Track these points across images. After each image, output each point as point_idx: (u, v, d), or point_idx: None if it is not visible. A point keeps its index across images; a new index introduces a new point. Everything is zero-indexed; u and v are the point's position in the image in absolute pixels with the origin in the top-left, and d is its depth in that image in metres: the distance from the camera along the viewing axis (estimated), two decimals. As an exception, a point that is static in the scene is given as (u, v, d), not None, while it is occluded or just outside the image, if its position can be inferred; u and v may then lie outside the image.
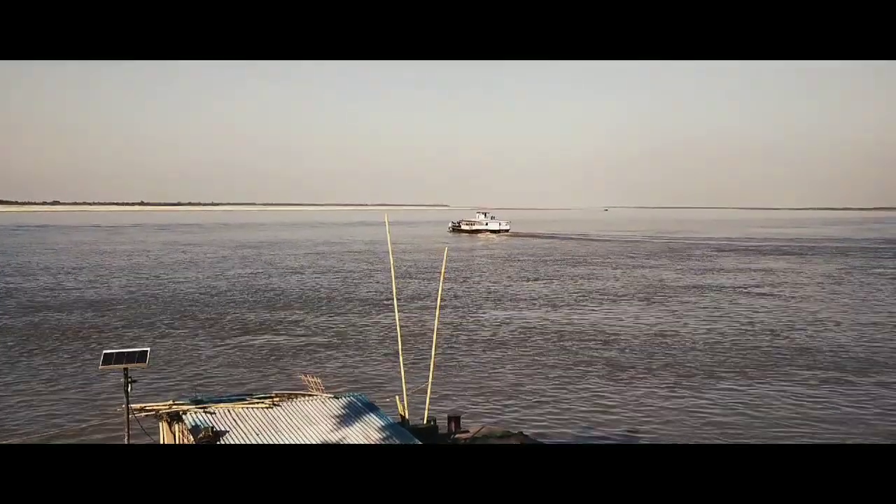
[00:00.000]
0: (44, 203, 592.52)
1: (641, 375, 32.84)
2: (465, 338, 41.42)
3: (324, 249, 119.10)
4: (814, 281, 71.70)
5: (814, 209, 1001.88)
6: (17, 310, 50.74)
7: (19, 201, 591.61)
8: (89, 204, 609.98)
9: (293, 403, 17.87)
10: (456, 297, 58.48)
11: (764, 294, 61.19)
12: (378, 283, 69.23)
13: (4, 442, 23.01)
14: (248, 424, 16.39)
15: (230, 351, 37.92)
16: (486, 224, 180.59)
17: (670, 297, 59.22)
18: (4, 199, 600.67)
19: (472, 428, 20.90)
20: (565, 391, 30.28)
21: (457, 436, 19.55)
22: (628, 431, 25.18)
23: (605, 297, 58.86)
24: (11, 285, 65.17)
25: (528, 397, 29.37)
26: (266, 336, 41.94)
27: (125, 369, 16.67)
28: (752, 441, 24.08)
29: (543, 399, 29.11)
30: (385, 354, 36.88)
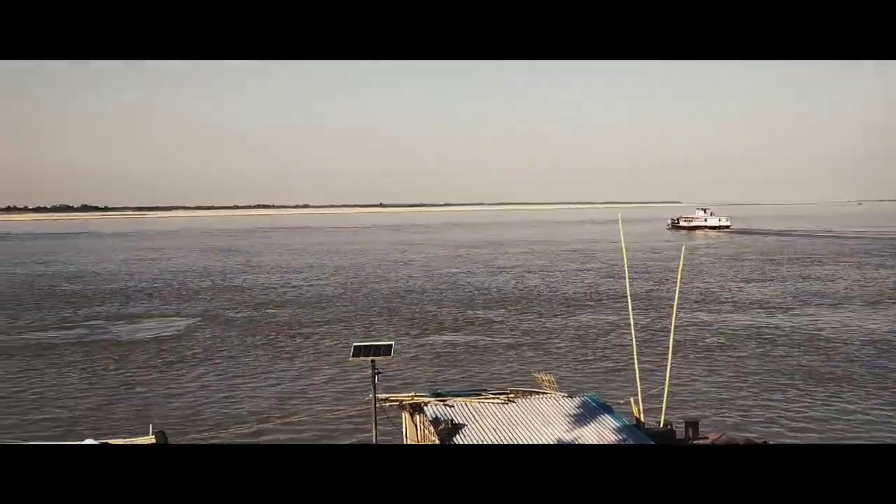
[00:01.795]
0: (296, 206, 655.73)
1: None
2: (697, 340, 39.56)
3: (545, 248, 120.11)
4: None
5: None
6: (252, 305, 56.78)
7: (275, 205, 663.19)
8: (335, 206, 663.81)
9: (528, 401, 18.21)
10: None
11: None
12: (596, 282, 68.30)
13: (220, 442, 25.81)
14: (485, 419, 16.97)
15: (458, 346, 39.44)
16: (705, 220, 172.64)
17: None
18: (263, 203, 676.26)
19: (710, 435, 19.95)
20: (810, 402, 27.84)
21: (694, 442, 18.77)
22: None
23: (847, 301, 53.24)
24: (252, 281, 72.97)
25: (769, 406, 27.39)
26: (494, 333, 43.06)
27: (372, 361, 17.96)
28: None
29: (787, 409, 27.00)
30: (616, 355, 36.29)
